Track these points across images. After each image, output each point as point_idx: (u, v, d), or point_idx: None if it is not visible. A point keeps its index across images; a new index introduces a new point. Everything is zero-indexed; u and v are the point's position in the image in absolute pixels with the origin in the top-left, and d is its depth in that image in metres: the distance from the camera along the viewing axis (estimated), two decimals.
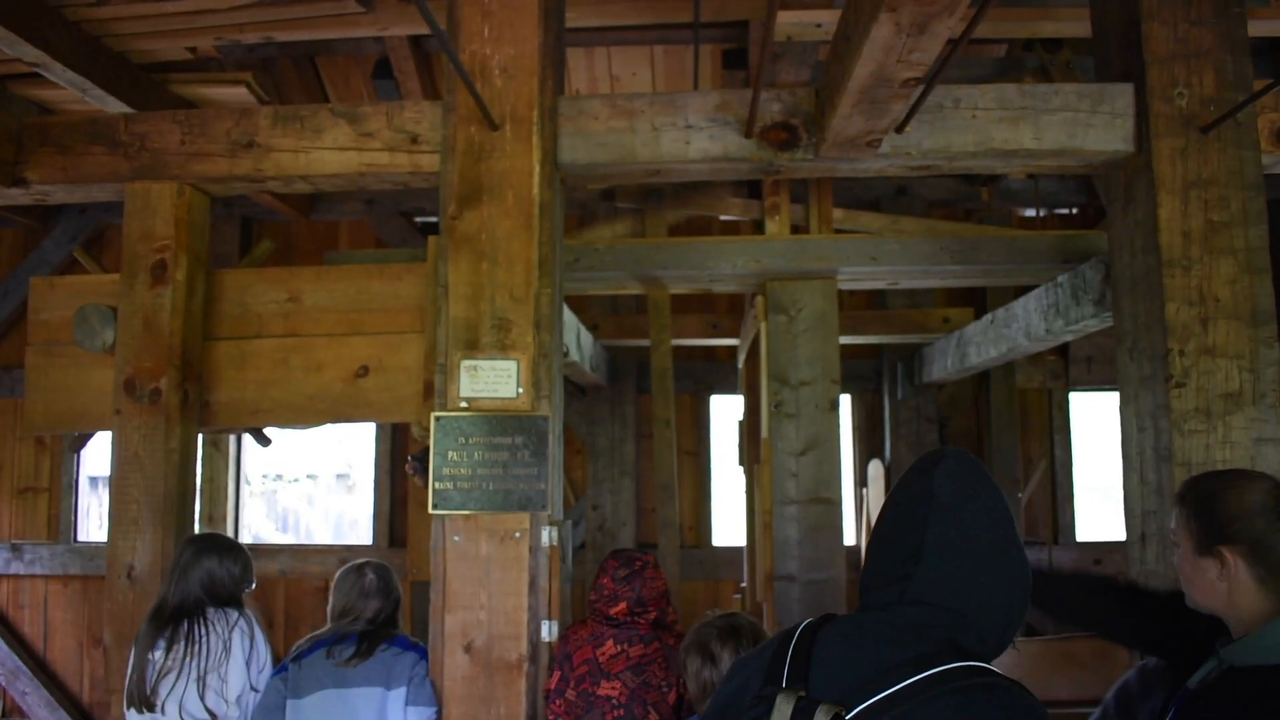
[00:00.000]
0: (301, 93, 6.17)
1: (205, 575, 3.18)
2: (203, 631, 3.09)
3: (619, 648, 2.95)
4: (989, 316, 5.31)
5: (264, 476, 11.94)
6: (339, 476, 12.34)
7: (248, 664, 3.12)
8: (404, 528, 6.84)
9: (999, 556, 1.53)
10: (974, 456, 1.64)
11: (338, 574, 3.31)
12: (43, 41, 4.24)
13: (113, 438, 3.57)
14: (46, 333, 3.90)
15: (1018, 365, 6.73)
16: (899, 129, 3.27)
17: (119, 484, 3.55)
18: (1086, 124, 3.38)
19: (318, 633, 3.22)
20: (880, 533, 1.63)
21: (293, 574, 7.13)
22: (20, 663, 7.15)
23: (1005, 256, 4.82)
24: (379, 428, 7.22)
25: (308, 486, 12.51)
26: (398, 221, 6.90)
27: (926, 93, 2.94)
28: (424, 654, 3.15)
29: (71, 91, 4.81)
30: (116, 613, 3.52)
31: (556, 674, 3.04)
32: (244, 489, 7.58)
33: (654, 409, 6.02)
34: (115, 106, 4.82)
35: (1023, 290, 5.32)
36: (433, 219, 6.93)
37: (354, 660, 3.04)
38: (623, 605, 3.06)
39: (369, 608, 3.19)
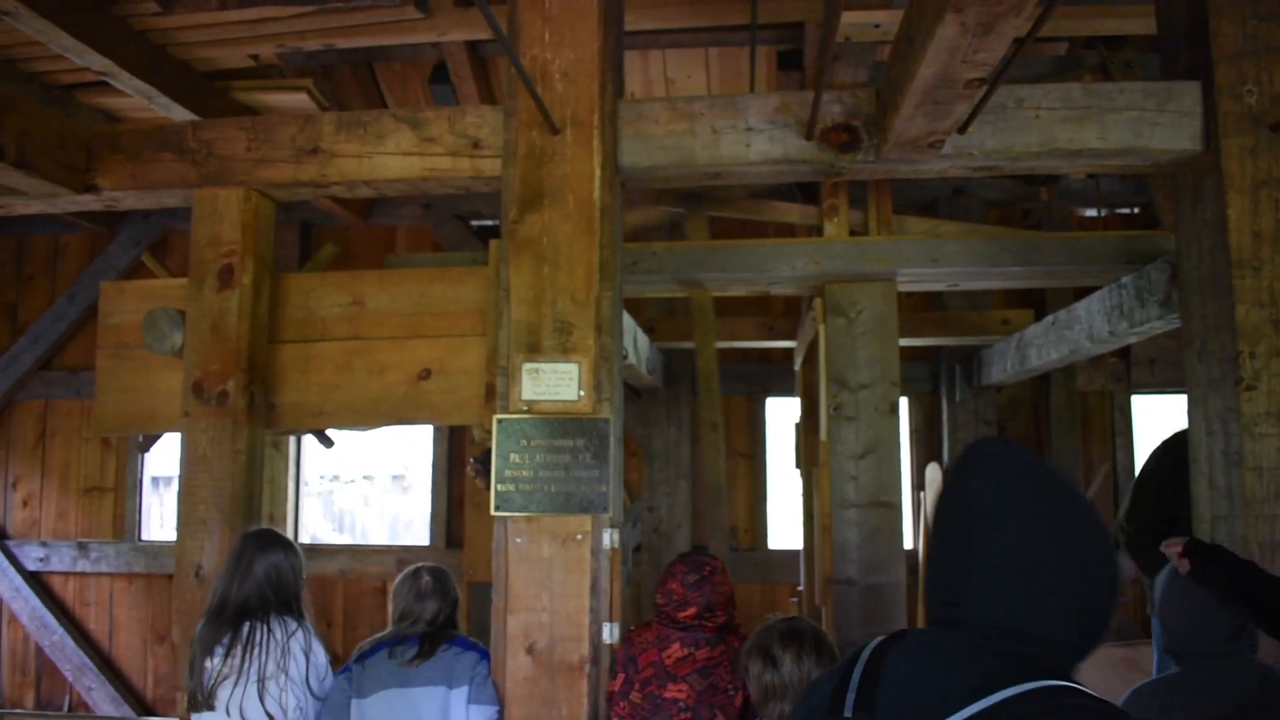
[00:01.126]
0: (360, 98, 6.24)
1: (271, 569, 3.16)
2: (262, 637, 3.07)
3: (685, 650, 2.95)
4: (1050, 318, 5.24)
5: (320, 477, 12.10)
6: (394, 478, 12.47)
7: (307, 673, 3.11)
8: (461, 529, 6.89)
9: (1058, 560, 1.38)
10: (1017, 446, 1.50)
11: (397, 579, 3.34)
12: (110, 51, 4.35)
13: (181, 439, 3.64)
14: (116, 336, 3.97)
15: (1078, 368, 6.65)
16: (961, 129, 3.23)
17: (187, 485, 3.62)
18: (1153, 123, 3.32)
19: (380, 635, 3.26)
20: (933, 543, 1.51)
21: (351, 574, 7.22)
22: (86, 659, 7.32)
23: (1067, 257, 4.75)
24: (436, 430, 7.28)
25: (364, 487, 12.66)
26: (454, 225, 6.95)
27: (990, 93, 2.91)
28: (485, 654, 3.18)
29: (137, 99, 4.92)
30: (185, 610, 3.58)
31: (620, 676, 3.05)
32: (302, 490, 7.68)
33: (701, 412, 6.01)
34: (180, 114, 4.92)
35: (1083, 292, 5.24)
36: (489, 222, 6.99)
37: (416, 660, 3.07)
38: (692, 610, 3.06)
39: (427, 610, 3.22)
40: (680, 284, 4.93)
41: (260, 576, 3.14)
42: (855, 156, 3.41)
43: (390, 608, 3.30)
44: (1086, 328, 4.79)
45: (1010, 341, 5.89)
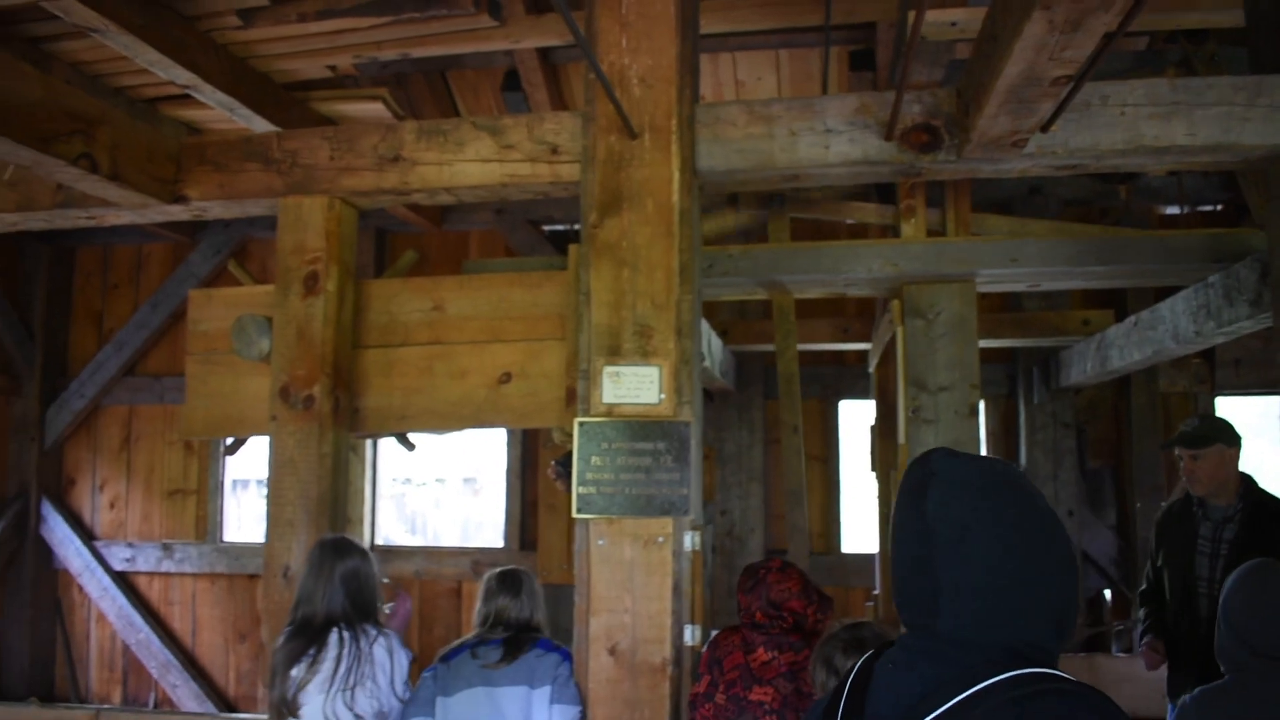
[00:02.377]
0: (433, 106, 6.32)
1: (350, 576, 3.15)
2: (346, 645, 3.06)
3: (770, 654, 2.94)
4: (1132, 318, 5.13)
5: (393, 480, 12.28)
6: (466, 480, 12.61)
7: (392, 678, 3.13)
8: (535, 531, 6.93)
9: (1027, 570, 1.38)
10: (967, 457, 1.49)
11: (482, 581, 3.37)
12: (194, 64, 4.46)
13: (270, 443, 3.72)
14: (205, 342, 4.08)
15: (1160, 369, 6.50)
16: (1044, 128, 3.18)
17: (275, 487, 3.70)
18: (1243, 118, 3.24)
19: (465, 637, 3.29)
20: (894, 556, 1.50)
21: (427, 575, 7.31)
22: (171, 656, 7.50)
23: (1152, 256, 4.65)
24: (510, 433, 7.34)
25: (435, 490, 12.81)
26: (526, 230, 7.01)
27: (1076, 90, 2.86)
28: (567, 655, 3.20)
29: (218, 111, 5.04)
30: (273, 610, 3.66)
31: (705, 678, 3.05)
32: (377, 492, 7.80)
33: (781, 415, 5.98)
34: (260, 125, 5.03)
35: (1164, 291, 5.13)
36: (560, 227, 7.03)
37: (500, 662, 3.10)
38: (758, 614, 3.05)
39: (510, 611, 3.25)
40: (757, 286, 4.91)
41: (339, 584, 3.14)
42: (936, 157, 3.38)
43: (476, 610, 3.33)
44: (1171, 328, 4.68)
45: (1090, 343, 5.78)
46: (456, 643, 3.27)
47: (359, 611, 3.15)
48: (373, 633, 3.14)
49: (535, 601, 3.32)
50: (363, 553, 3.26)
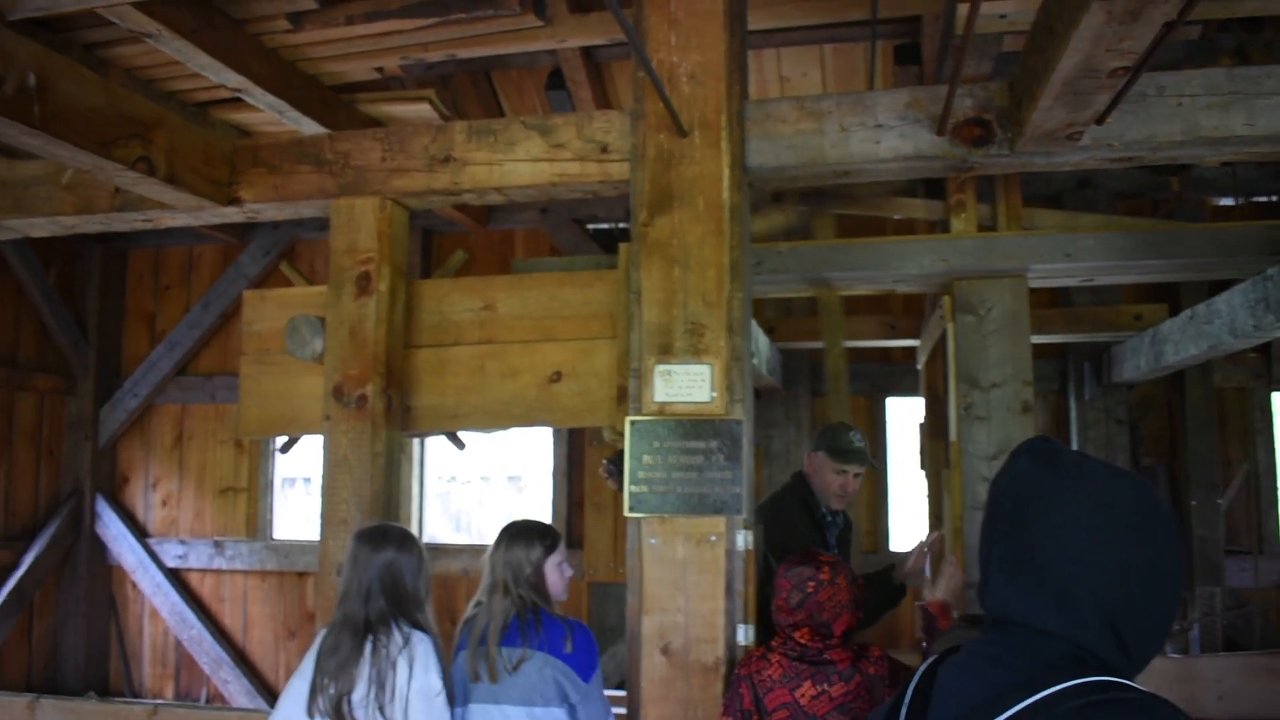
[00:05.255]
0: (478, 106, 6.35)
1: (386, 572, 2.95)
2: (380, 649, 2.87)
3: (819, 688, 2.81)
4: (1188, 312, 5.04)
5: (438, 478, 12.37)
6: (510, 478, 12.68)
7: (428, 687, 2.89)
8: (581, 530, 6.96)
9: (1084, 557, 1.34)
10: (1056, 445, 1.46)
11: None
12: (245, 68, 4.51)
13: (323, 442, 3.76)
14: (259, 343, 4.13)
15: (1215, 364, 6.38)
16: (1099, 120, 3.13)
17: (329, 485, 3.74)
18: None
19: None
20: (990, 551, 1.48)
21: (474, 573, 7.33)
22: (223, 652, 7.61)
23: (1207, 249, 4.57)
24: (556, 431, 7.36)
25: (480, 488, 12.89)
26: (571, 229, 7.02)
27: (1133, 81, 2.82)
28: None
29: (268, 114, 5.09)
30: (327, 607, 3.67)
31: (755, 719, 2.91)
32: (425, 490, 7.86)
33: (830, 412, 5.94)
34: (310, 127, 5.08)
35: (1218, 285, 5.03)
36: (604, 225, 7.04)
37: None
38: (804, 631, 2.87)
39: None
40: (806, 283, 4.89)
41: (376, 580, 2.94)
42: (988, 151, 3.34)
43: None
44: (1228, 322, 4.60)
45: (1144, 337, 5.69)
46: None
47: (399, 609, 2.94)
48: (400, 640, 2.89)
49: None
50: (402, 541, 3.03)
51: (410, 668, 2.86)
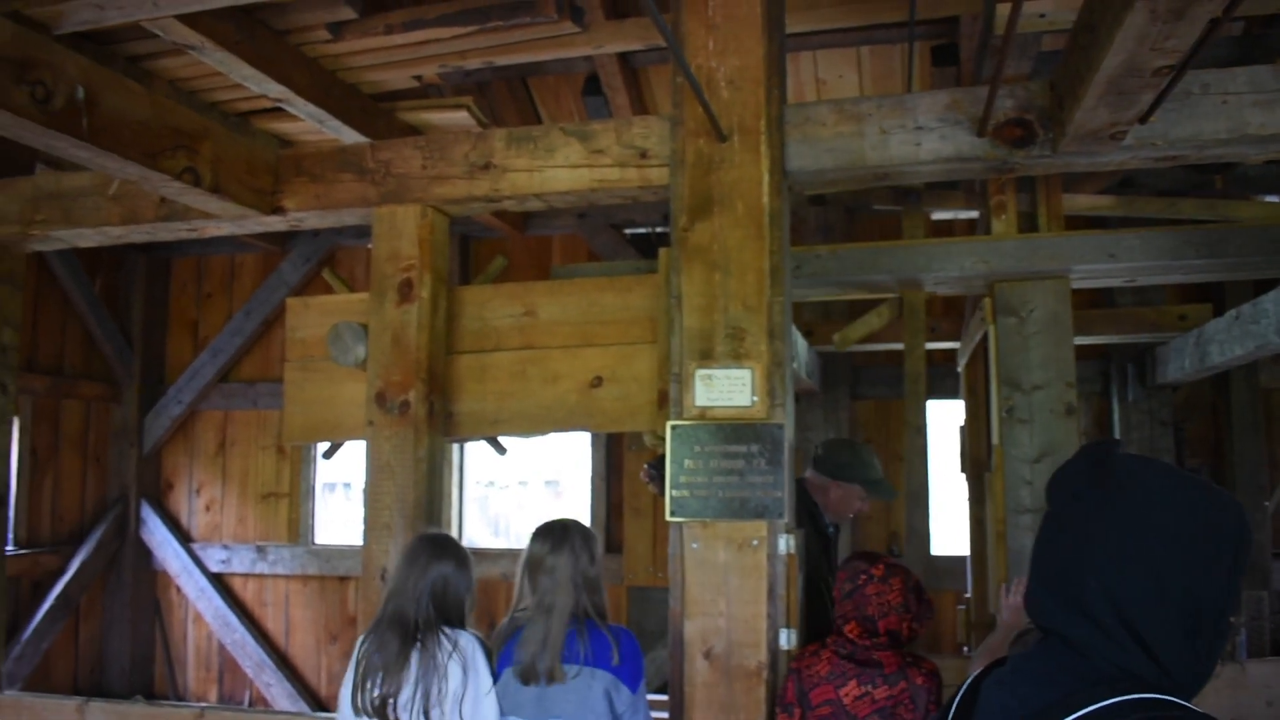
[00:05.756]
0: (514, 112, 6.39)
1: (439, 579, 3.00)
2: (430, 652, 2.90)
3: (863, 689, 2.81)
4: (1233, 312, 4.97)
5: (477, 482, 12.43)
6: (548, 483, 12.71)
7: (478, 687, 2.94)
8: (620, 534, 6.96)
9: (1111, 572, 1.29)
10: (1113, 449, 1.38)
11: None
12: (286, 78, 4.55)
13: (366, 448, 3.80)
14: (302, 349, 4.17)
15: (1261, 364, 6.28)
16: (1143, 119, 3.10)
17: (373, 491, 3.77)
18: None
19: None
20: (1045, 557, 1.43)
21: (513, 577, 7.36)
22: (265, 656, 7.69)
23: (1255, 248, 4.50)
24: (594, 435, 7.37)
25: (518, 492, 12.93)
26: (608, 234, 7.04)
27: (1177, 79, 2.79)
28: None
29: (308, 123, 5.15)
30: (370, 611, 3.71)
31: (797, 711, 2.94)
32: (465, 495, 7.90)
33: (906, 415, 5.91)
34: (350, 136, 5.12)
35: (1263, 284, 4.96)
36: (641, 230, 7.05)
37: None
38: (852, 625, 2.90)
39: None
40: (846, 287, 4.86)
41: (428, 585, 2.99)
42: (1030, 152, 3.31)
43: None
44: (1275, 322, 4.52)
45: (1189, 338, 5.62)
46: None
47: (444, 617, 2.99)
48: (448, 645, 2.93)
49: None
50: (460, 558, 3.12)
51: (464, 670, 2.91)
